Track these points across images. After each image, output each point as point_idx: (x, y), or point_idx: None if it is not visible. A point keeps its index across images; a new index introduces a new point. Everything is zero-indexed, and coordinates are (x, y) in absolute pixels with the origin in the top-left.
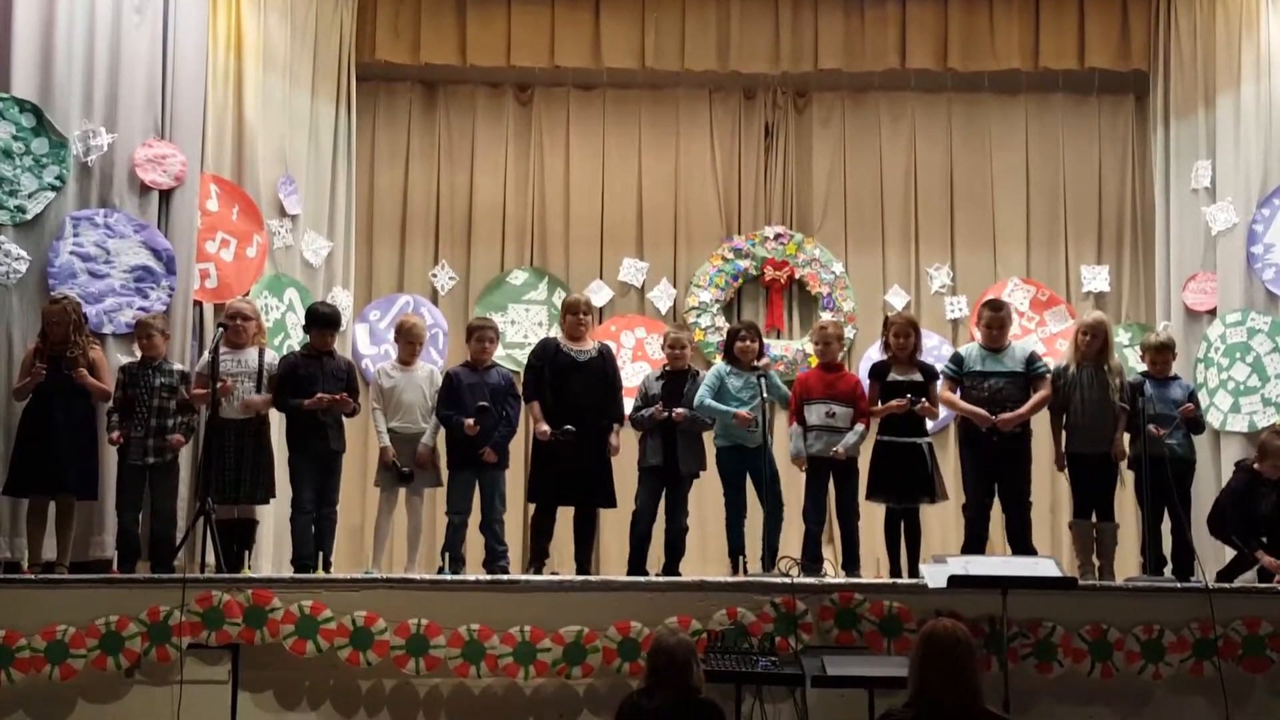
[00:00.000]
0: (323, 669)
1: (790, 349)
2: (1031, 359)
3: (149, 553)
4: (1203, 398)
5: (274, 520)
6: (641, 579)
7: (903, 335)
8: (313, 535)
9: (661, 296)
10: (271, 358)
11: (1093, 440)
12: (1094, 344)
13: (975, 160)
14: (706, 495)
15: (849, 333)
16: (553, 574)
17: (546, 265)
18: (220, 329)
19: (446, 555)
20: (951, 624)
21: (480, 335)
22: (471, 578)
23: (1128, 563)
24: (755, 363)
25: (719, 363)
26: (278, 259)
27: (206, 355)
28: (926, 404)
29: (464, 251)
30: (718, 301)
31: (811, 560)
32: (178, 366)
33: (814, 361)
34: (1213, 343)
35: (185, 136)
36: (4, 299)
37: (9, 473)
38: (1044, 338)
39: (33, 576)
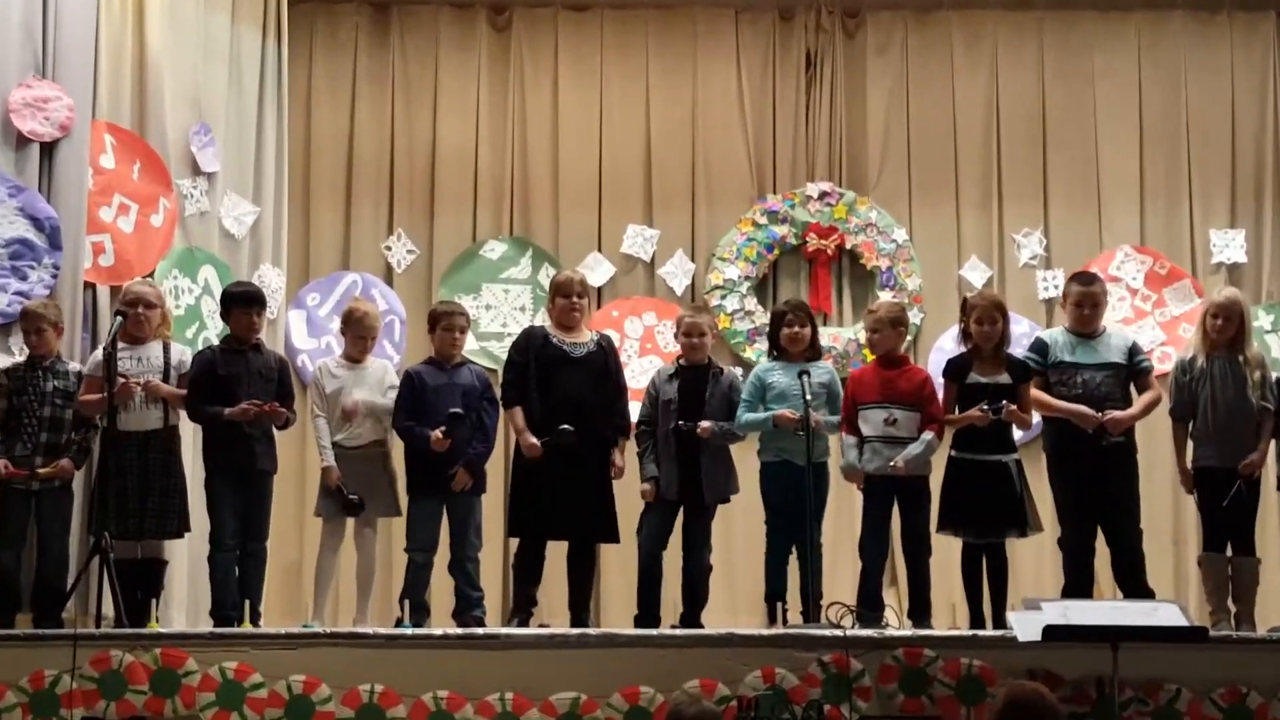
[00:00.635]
0: None
1: (840, 338)
2: (1134, 350)
3: (31, 603)
4: None
5: (188, 559)
6: (654, 632)
7: (986, 321)
8: (236, 578)
9: (676, 273)
10: (181, 354)
11: (1227, 452)
12: (1227, 329)
13: (1074, 96)
14: (735, 521)
15: (914, 317)
16: (541, 626)
17: (530, 234)
18: (118, 318)
19: (406, 603)
20: (1034, 687)
21: (448, 324)
22: (438, 631)
23: (1272, 608)
24: (808, 355)
25: (762, 361)
26: (190, 229)
27: (99, 352)
28: (1013, 408)
29: (425, 218)
30: (748, 278)
31: (870, 608)
32: (74, 366)
33: (869, 355)
34: None
35: (72, 74)
36: None
37: None
38: (1163, 322)
39: None
